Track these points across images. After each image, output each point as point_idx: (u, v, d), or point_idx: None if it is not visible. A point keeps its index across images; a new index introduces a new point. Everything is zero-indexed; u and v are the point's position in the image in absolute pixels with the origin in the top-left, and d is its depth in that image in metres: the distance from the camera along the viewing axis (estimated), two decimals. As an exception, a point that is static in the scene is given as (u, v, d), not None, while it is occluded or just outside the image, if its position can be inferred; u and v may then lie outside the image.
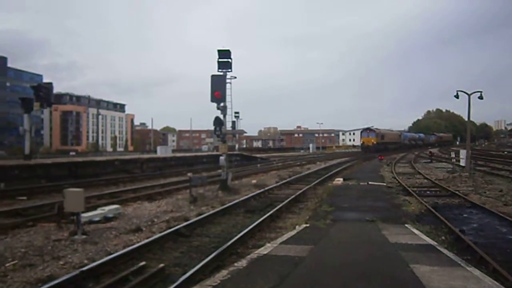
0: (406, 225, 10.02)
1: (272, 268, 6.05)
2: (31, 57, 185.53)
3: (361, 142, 73.67)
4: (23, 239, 9.45)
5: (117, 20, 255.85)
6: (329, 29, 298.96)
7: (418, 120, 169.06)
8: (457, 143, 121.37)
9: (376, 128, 73.04)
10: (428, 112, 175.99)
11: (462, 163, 28.32)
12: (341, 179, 21.72)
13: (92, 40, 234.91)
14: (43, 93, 24.67)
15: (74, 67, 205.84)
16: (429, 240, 8.29)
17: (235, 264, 6.42)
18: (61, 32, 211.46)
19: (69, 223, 10.56)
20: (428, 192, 17.76)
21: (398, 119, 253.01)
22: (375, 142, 68.06)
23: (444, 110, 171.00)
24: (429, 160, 42.65)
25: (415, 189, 18.06)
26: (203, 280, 5.88)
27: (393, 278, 5.62)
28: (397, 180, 22.13)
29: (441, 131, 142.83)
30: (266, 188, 18.83)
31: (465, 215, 12.48)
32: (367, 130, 72.14)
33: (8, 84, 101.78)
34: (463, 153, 29.19)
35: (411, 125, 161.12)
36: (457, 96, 26.37)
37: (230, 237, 9.37)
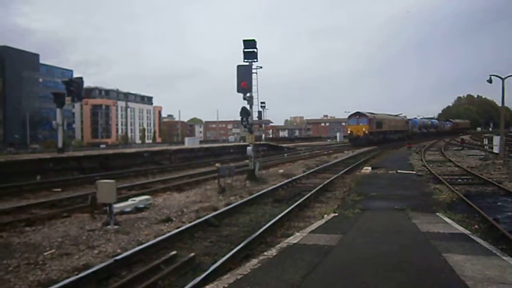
0: (437, 213, 9.81)
1: (302, 257, 6.05)
2: (62, 54, 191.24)
3: (348, 132, 54.56)
4: (59, 229, 9.77)
5: (144, 14, 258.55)
6: (353, 19, 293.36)
7: (448, 107, 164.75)
8: (490, 129, 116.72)
9: (370, 113, 54.34)
10: (459, 98, 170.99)
11: (496, 150, 27.45)
12: (369, 168, 21.44)
13: (120, 35, 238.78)
14: (74, 87, 25.29)
15: (103, 62, 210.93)
16: (461, 229, 8.10)
17: (265, 253, 6.45)
18: (90, 28, 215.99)
19: (102, 214, 10.84)
20: (459, 180, 17.32)
21: (429, 106, 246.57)
22: (367, 131, 50.80)
23: (475, 96, 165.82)
24: (460, 147, 41.56)
25: (446, 177, 17.65)
26: (233, 269, 5.95)
27: (426, 267, 5.53)
28: (427, 168, 21.67)
29: (472, 117, 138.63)
30: (294, 178, 18.79)
31: (499, 203, 12.13)
32: (355, 116, 53.14)
33: (40, 80, 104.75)
34: (496, 139, 28.28)
35: (440, 112, 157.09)
36: (490, 81, 25.52)
37: (259, 227, 9.43)
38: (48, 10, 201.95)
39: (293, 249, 6.59)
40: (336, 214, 9.91)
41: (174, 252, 7.29)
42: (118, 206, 11.02)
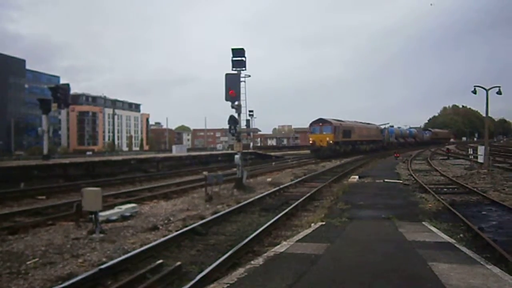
0: (424, 222, 9.91)
1: (289, 266, 6.04)
2: (51, 60, 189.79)
3: (310, 141, 47.08)
4: (43, 237, 9.62)
5: (135, 21, 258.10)
6: (343, 28, 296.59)
7: (434, 116, 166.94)
8: (475, 139, 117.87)
9: (336, 119, 47.81)
10: (444, 108, 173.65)
11: (480, 159, 27.85)
12: (357, 177, 21.59)
13: (110, 42, 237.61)
14: (60, 94, 25.07)
15: (92, 69, 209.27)
16: (447, 238, 8.19)
17: (252, 262, 6.43)
18: (81, 35, 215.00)
19: (87, 222, 10.71)
20: (445, 189, 17.53)
21: (418, 116, 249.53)
22: (331, 141, 44.03)
23: (460, 106, 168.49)
24: (446, 157, 42.11)
25: (432, 186, 17.85)
26: (220, 278, 5.91)
27: (411, 276, 5.57)
28: (413, 177, 21.90)
29: (457, 127, 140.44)
30: (281, 186, 18.82)
31: (483, 213, 12.28)
32: (318, 123, 46.25)
33: (26, 85, 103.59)
34: (481, 149, 28.70)
35: (427, 121, 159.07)
36: (474, 92, 25.94)
37: (246, 235, 9.42)
38: (38, 16, 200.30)
39: (280, 258, 6.58)
40: (324, 223, 9.94)
41: (160, 261, 7.22)
42: (104, 214, 10.91)
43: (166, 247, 8.50)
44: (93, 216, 9.88)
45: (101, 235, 9.62)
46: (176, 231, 10.02)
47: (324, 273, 5.75)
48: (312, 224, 10.03)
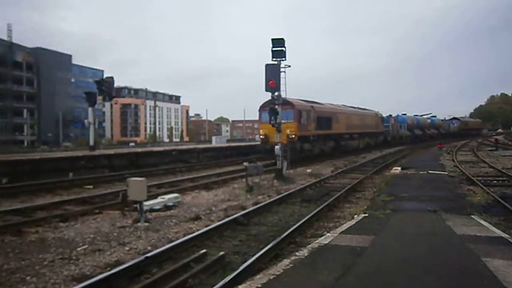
0: (472, 216, 9.49)
1: (334, 258, 5.95)
2: (96, 55, 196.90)
3: (260, 136, 27.46)
4: (92, 225, 9.96)
5: (176, 15, 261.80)
6: (386, 16, 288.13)
7: (481, 106, 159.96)
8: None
9: (305, 101, 29.60)
10: (492, 97, 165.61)
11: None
12: (399, 168, 21.01)
13: (152, 37, 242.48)
14: (105, 87, 25.75)
15: (134, 63, 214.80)
16: (499, 232, 7.79)
17: (297, 253, 6.37)
18: (124, 31, 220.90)
19: (132, 211, 11.00)
20: (494, 181, 16.74)
21: (459, 106, 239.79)
22: (294, 135, 25.79)
23: (510, 94, 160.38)
24: (494, 148, 40.28)
25: (480, 178, 17.11)
26: (263, 268, 5.90)
27: (465, 271, 5.34)
28: (459, 169, 21.08)
29: (506, 116, 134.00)
30: (322, 178, 18.61)
31: (538, 206, 11.63)
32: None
33: (73, 80, 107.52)
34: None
35: (472, 111, 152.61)
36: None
37: (288, 226, 9.36)
38: (85, 14, 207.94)
39: (325, 249, 6.49)
40: (366, 215, 9.73)
41: (203, 251, 7.30)
42: (147, 203, 11.13)
43: (209, 236, 8.59)
44: (138, 205, 10.13)
45: (146, 224, 9.85)
46: (218, 221, 10.11)
47: (372, 266, 5.62)
48: (355, 216, 9.83)
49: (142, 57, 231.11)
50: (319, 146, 30.14)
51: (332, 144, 32.62)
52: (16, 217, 11.00)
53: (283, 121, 22.88)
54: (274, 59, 18.92)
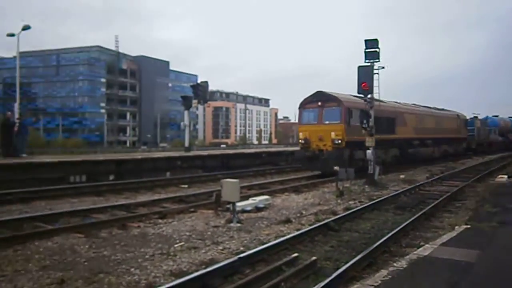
0: None
1: (437, 272, 5.55)
2: (191, 61, 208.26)
3: (300, 140, 21.98)
4: (187, 223, 10.43)
5: (261, 20, 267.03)
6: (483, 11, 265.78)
7: None
8: None
9: (357, 96, 20.59)
10: None
11: None
12: (505, 176, 19.15)
13: (244, 41, 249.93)
14: (200, 91, 27.05)
15: (225, 67, 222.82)
16: None
17: (395, 264, 6.07)
18: (217, 37, 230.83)
19: (225, 211, 11.35)
20: None
21: None
22: (340, 140, 20.28)
23: None
24: None
25: None
26: (358, 277, 5.72)
27: None
28: None
29: None
30: (417, 184, 17.65)
31: None
32: (315, 101, 21.60)
33: (170, 84, 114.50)
34: None
35: None
36: None
37: (381, 234, 9.01)
38: (181, 23, 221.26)
39: (425, 262, 6.09)
40: (469, 227, 8.98)
41: (295, 254, 7.27)
42: (239, 204, 11.38)
43: (300, 240, 8.54)
44: (231, 206, 10.41)
45: (238, 224, 10.08)
46: (309, 225, 10.04)
47: (482, 285, 5.15)
48: (456, 227, 9.13)
49: (234, 61, 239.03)
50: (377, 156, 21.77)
51: (395, 152, 25.19)
52: (121, 212, 11.92)
53: (326, 122, 21.08)
54: (367, 60, 18.37)
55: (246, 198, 13.02)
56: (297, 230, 9.51)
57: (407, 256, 6.50)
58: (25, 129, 22.69)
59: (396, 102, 28.21)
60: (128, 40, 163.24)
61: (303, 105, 22.29)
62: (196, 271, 6.60)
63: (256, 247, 7.97)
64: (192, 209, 12.13)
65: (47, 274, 6.45)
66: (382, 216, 11.61)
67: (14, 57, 37.95)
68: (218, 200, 11.30)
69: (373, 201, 13.40)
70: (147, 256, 7.55)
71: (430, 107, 34.28)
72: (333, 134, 20.33)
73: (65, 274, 6.44)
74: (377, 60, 18.39)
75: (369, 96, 18.12)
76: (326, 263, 7.24)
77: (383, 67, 18.76)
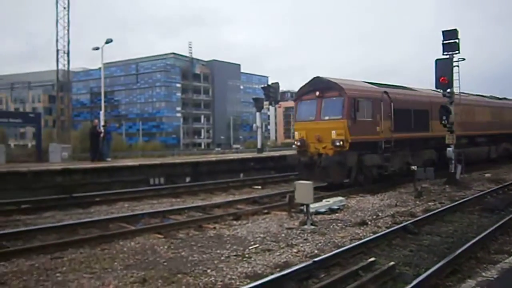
0: None
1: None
2: (261, 62, 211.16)
3: (295, 141, 17.39)
4: (261, 225, 10.49)
5: (331, 18, 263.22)
6: None
7: None
8: None
9: (374, 83, 18.01)
10: None
11: None
12: None
13: (312, 41, 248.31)
14: (271, 92, 27.22)
15: (294, 67, 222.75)
16: None
17: (483, 273, 5.65)
18: (284, 39, 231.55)
19: (298, 213, 11.30)
20: None
21: None
22: (341, 141, 15.12)
23: None
24: None
25: None
26: (442, 285, 5.39)
27: None
28: None
29: None
30: (505, 184, 16.34)
31: None
32: (312, 91, 16.36)
33: (241, 87, 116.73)
34: None
35: None
36: None
37: (466, 239, 8.48)
38: (249, 27, 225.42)
39: (518, 272, 5.61)
40: None
41: (372, 259, 7.03)
42: (313, 206, 11.25)
43: (377, 244, 8.26)
44: (304, 207, 10.33)
45: (312, 227, 9.97)
46: (386, 228, 9.67)
47: None
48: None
49: (304, 61, 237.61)
50: (399, 159, 17.37)
51: (430, 155, 19.51)
52: (197, 213, 12.33)
53: (325, 117, 15.92)
54: (445, 52, 17.32)
55: (319, 199, 12.85)
56: (374, 233, 9.21)
57: (498, 265, 6.01)
58: (110, 135, 24.40)
59: (433, 90, 20.59)
60: (200, 46, 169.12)
61: (299, 96, 17.43)
62: (271, 274, 6.63)
63: (331, 250, 7.84)
64: (265, 211, 12.20)
65: (130, 273, 6.82)
66: (466, 219, 10.90)
67: (99, 68, 40.81)
68: (291, 201, 11.28)
69: (456, 202, 12.63)
70: (222, 258, 7.71)
71: (485, 95, 26.99)
72: (333, 133, 15.32)
73: (147, 273, 6.77)
74: (457, 51, 17.28)
75: (448, 90, 17.09)
76: (405, 268, 6.92)
77: (463, 59, 17.59)
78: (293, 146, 18.01)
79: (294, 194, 10.63)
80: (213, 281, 6.44)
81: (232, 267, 7.15)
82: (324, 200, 12.50)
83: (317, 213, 11.47)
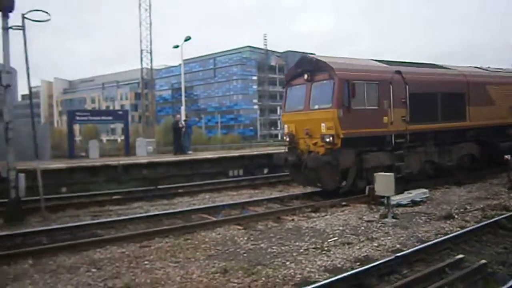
0: None
1: None
2: (334, 49, 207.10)
3: (285, 136, 14.21)
4: (340, 217, 10.33)
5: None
6: None
7: None
8: None
9: (382, 60, 14.34)
10: None
11: None
12: None
13: (391, 25, 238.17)
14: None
15: (368, 54, 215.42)
16: None
17: None
18: (362, 24, 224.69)
19: (378, 205, 10.98)
20: None
21: None
22: (331, 137, 12.02)
23: None
24: None
25: None
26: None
27: None
28: None
29: None
30: None
31: None
32: (301, 76, 13.38)
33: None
34: None
35: None
36: None
37: None
38: (324, 14, 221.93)
39: None
40: None
41: (460, 256, 6.62)
42: (394, 198, 10.85)
43: (465, 240, 7.77)
44: (385, 200, 10.00)
45: (394, 220, 9.63)
46: (476, 222, 9.07)
47: None
48: None
49: (378, 47, 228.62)
50: (419, 158, 14.08)
51: (469, 150, 15.88)
52: (275, 205, 12.45)
53: (315, 106, 12.87)
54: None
55: (401, 191, 12.32)
56: (461, 227, 8.69)
57: None
58: (190, 129, 25.44)
59: (477, 67, 17.98)
60: (274, 37, 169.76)
61: (288, 81, 14.45)
62: (351, 268, 6.53)
63: (415, 245, 7.53)
64: (344, 203, 11.98)
65: (212, 263, 7.08)
66: None
67: (179, 65, 42.57)
68: (371, 194, 10.97)
69: (558, 195, 11.46)
70: (301, 250, 7.71)
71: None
72: (323, 126, 12.32)
73: (228, 264, 6.98)
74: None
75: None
76: (498, 268, 6.44)
77: None
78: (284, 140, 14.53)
79: (374, 186, 10.32)
80: (292, 273, 6.47)
81: (311, 259, 7.13)
82: (405, 192, 12.00)
83: (399, 205, 11.06)
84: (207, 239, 8.66)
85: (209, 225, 9.70)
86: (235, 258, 7.34)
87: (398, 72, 13.42)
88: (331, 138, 12.06)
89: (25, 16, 11.18)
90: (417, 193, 11.97)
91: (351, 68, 12.79)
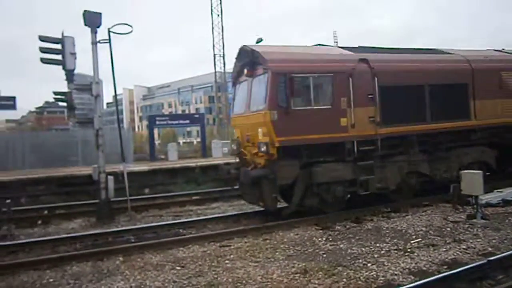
0: None
1: None
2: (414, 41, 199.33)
3: (232, 145, 11.98)
4: (422, 218, 9.85)
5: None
6: None
7: None
8: None
9: (347, 47, 11.42)
10: None
11: None
12: None
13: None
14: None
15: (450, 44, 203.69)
16: None
17: None
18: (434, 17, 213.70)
19: (464, 205, 10.33)
20: None
21: None
22: (265, 143, 9.73)
23: None
24: None
25: None
26: None
27: None
28: None
29: None
30: None
31: None
32: (242, 71, 11.13)
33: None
34: None
35: None
36: None
37: None
38: (395, 9, 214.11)
39: None
40: None
41: None
42: (483, 197, 10.14)
43: None
44: (472, 199, 9.39)
45: (483, 220, 9.01)
46: None
47: None
48: None
49: (453, 38, 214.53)
50: (397, 169, 11.14)
51: (478, 156, 12.31)
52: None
53: (253, 108, 10.52)
54: None
55: (490, 190, 11.46)
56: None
57: None
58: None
59: (488, 50, 14.25)
60: (345, 34, 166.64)
61: (236, 78, 11.97)
62: (438, 271, 6.22)
63: (509, 248, 6.99)
64: (426, 203, 11.41)
65: (292, 263, 7.09)
66: None
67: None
68: (456, 193, 10.33)
69: None
70: (383, 252, 7.49)
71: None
72: (260, 132, 10.08)
73: (307, 264, 6.96)
74: None
75: None
76: None
77: None
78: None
79: (460, 185, 9.72)
80: (374, 275, 6.29)
81: (394, 261, 6.90)
82: (495, 191, 11.16)
83: (488, 205, 10.31)
84: (285, 239, 8.69)
85: (286, 225, 9.70)
86: (315, 259, 7.29)
87: (363, 60, 10.64)
88: (265, 147, 9.76)
89: (111, 30, 11.99)
90: (509, 192, 11.08)
91: (290, 58, 10.22)
